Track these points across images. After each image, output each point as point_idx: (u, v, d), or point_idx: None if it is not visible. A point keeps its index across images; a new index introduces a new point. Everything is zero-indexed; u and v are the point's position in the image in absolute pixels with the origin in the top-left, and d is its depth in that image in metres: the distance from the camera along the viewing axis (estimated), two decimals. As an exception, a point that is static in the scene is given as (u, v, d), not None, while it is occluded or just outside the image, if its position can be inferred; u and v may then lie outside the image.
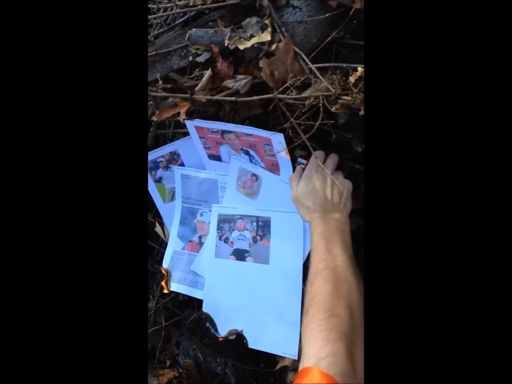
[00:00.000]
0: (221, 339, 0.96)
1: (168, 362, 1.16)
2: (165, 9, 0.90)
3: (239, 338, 0.96)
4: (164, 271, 1.03)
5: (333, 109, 0.70)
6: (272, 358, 0.97)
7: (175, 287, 1.03)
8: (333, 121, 0.71)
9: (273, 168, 0.92)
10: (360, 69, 0.65)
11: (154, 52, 0.82)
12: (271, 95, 0.71)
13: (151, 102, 0.89)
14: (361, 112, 0.66)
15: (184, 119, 0.82)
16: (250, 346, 0.94)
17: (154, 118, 0.81)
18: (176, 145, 1.02)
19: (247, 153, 0.93)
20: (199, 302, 1.01)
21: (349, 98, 0.67)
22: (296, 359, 0.90)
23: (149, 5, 0.92)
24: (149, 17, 0.89)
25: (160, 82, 0.79)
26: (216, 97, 0.75)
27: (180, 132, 1.02)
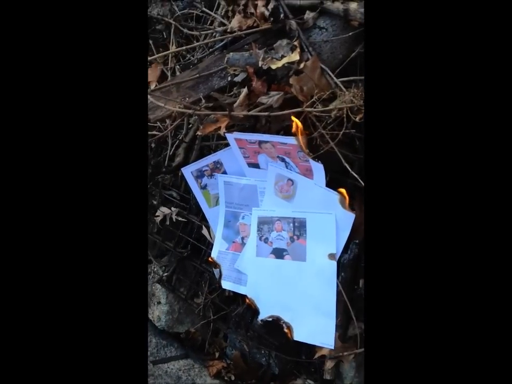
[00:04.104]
0: (260, 322, 1.05)
1: (217, 354, 1.26)
2: (206, 36, 1.01)
3: (280, 329, 1.04)
4: (212, 261, 1.13)
5: (356, 119, 0.78)
6: (312, 350, 1.05)
7: (221, 283, 1.13)
8: (354, 130, 0.79)
9: (308, 173, 1.01)
10: (378, 83, 0.72)
11: (197, 75, 0.93)
12: (299, 109, 0.80)
13: (196, 117, 1.01)
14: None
15: (224, 133, 0.92)
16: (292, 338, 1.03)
17: (198, 133, 0.92)
18: (219, 155, 1.13)
19: (282, 160, 1.02)
20: (243, 297, 1.11)
21: (370, 108, 0.74)
22: (333, 348, 0.97)
23: (192, 32, 1.03)
24: (195, 43, 1.00)
25: (203, 101, 0.90)
26: (252, 112, 0.85)
27: (222, 143, 1.12)
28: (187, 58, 1.15)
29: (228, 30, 0.95)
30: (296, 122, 0.82)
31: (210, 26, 1.05)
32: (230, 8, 0.98)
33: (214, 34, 1.01)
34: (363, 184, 0.86)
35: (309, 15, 0.87)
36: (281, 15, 0.87)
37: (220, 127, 0.91)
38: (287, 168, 1.03)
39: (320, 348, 1.00)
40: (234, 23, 0.94)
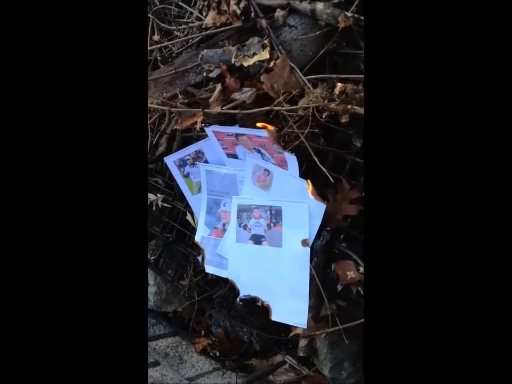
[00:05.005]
0: (239, 302, 1.12)
1: (202, 332, 1.34)
2: (183, 30, 1.04)
3: (260, 309, 1.11)
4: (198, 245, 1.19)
5: (323, 117, 0.83)
6: (290, 328, 1.12)
7: (204, 267, 1.19)
8: (317, 130, 0.83)
9: (282, 163, 1.05)
10: (339, 84, 0.76)
11: (174, 71, 0.96)
12: (268, 108, 0.84)
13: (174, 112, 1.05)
14: (343, 120, 0.78)
15: (201, 126, 0.97)
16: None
17: (176, 127, 0.97)
18: (200, 145, 1.16)
19: (259, 151, 1.07)
20: (225, 280, 1.17)
21: (333, 107, 0.79)
22: (306, 327, 1.04)
23: (170, 27, 1.06)
24: (172, 41, 1.03)
25: (180, 96, 0.94)
26: (223, 110, 0.89)
27: (203, 134, 1.16)
28: (168, 49, 1.18)
29: (203, 26, 0.98)
30: (263, 125, 0.86)
31: (188, 20, 1.08)
32: (206, 2, 1.01)
33: (191, 29, 1.03)
34: (329, 175, 0.90)
35: (279, 13, 0.90)
36: (252, 14, 0.89)
37: (197, 122, 0.95)
38: (263, 159, 1.08)
39: (295, 327, 1.07)
40: (209, 19, 0.97)
